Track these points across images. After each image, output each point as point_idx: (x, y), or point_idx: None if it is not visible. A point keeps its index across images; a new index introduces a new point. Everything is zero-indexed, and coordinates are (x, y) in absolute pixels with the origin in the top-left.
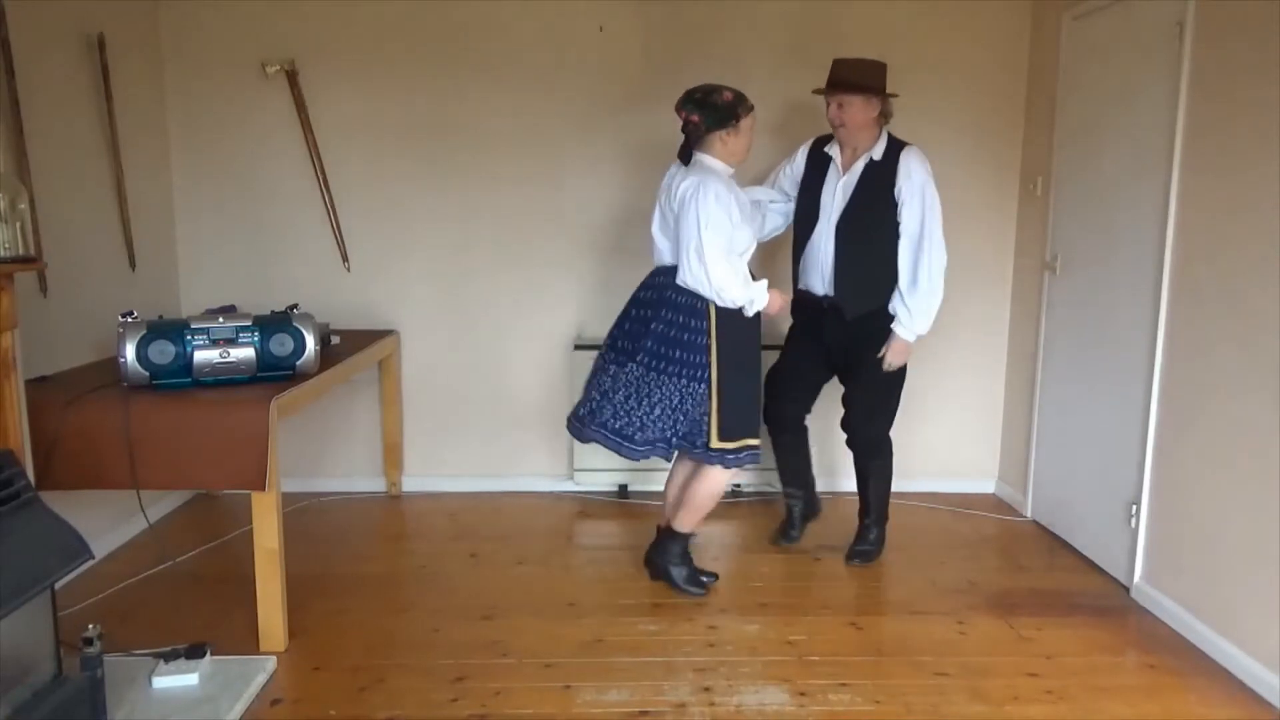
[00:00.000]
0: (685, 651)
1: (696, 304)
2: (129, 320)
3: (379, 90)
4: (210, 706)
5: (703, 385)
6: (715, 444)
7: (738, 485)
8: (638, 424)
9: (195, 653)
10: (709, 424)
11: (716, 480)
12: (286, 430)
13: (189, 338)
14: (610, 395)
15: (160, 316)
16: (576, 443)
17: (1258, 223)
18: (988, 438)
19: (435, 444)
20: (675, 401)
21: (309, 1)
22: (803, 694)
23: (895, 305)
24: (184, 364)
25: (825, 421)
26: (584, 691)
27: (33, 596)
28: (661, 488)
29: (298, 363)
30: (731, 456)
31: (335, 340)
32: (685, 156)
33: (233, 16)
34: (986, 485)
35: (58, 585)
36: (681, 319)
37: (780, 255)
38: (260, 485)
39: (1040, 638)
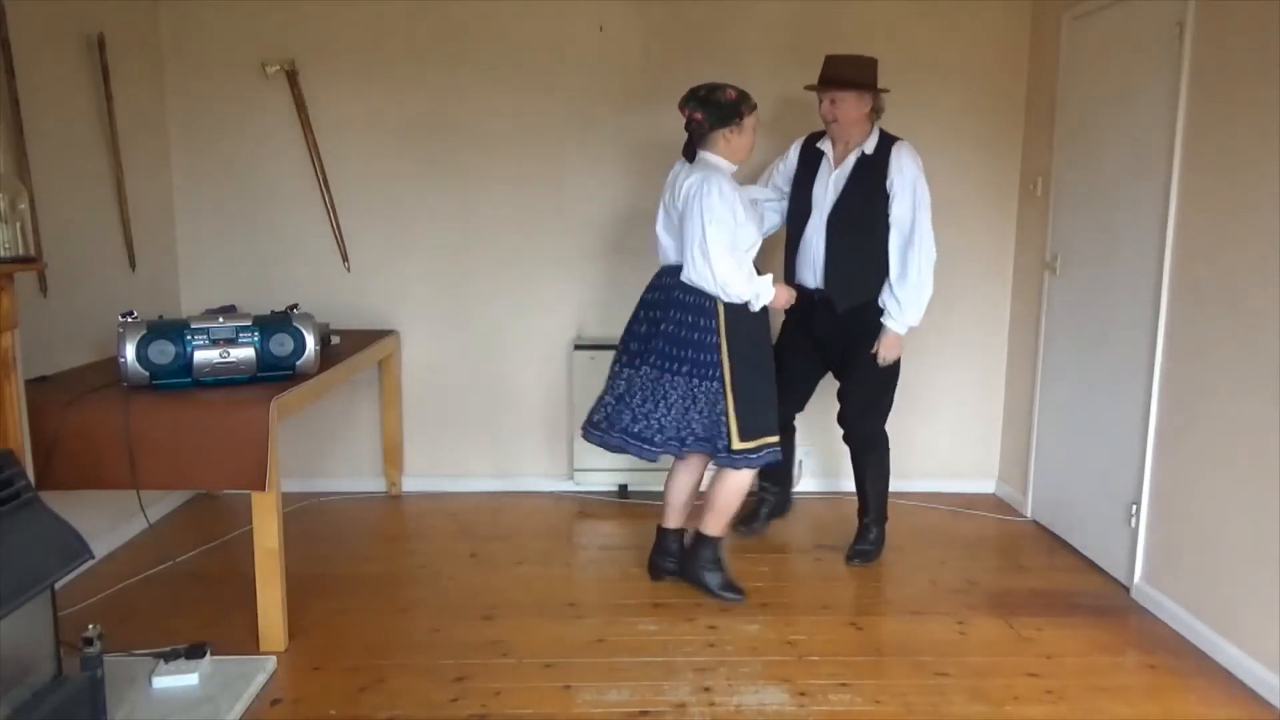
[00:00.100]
0: (685, 651)
1: (704, 302)
2: (129, 320)
3: (379, 90)
4: (210, 706)
5: (715, 383)
6: (737, 445)
7: None
8: (655, 426)
9: (195, 653)
10: (728, 425)
11: (739, 479)
12: (286, 430)
13: (189, 338)
14: (627, 399)
15: (160, 316)
16: (576, 443)
17: (1258, 223)
18: (988, 438)
19: (435, 444)
20: (688, 401)
21: (309, 1)
22: (803, 694)
23: (885, 298)
24: (184, 364)
25: (825, 423)
26: (584, 691)
27: (33, 596)
28: (661, 487)
29: (298, 363)
30: (754, 456)
31: (335, 340)
32: (690, 154)
33: (233, 16)
34: (986, 485)
35: (58, 585)
36: (690, 318)
37: (774, 251)
38: (260, 485)
39: (1040, 638)
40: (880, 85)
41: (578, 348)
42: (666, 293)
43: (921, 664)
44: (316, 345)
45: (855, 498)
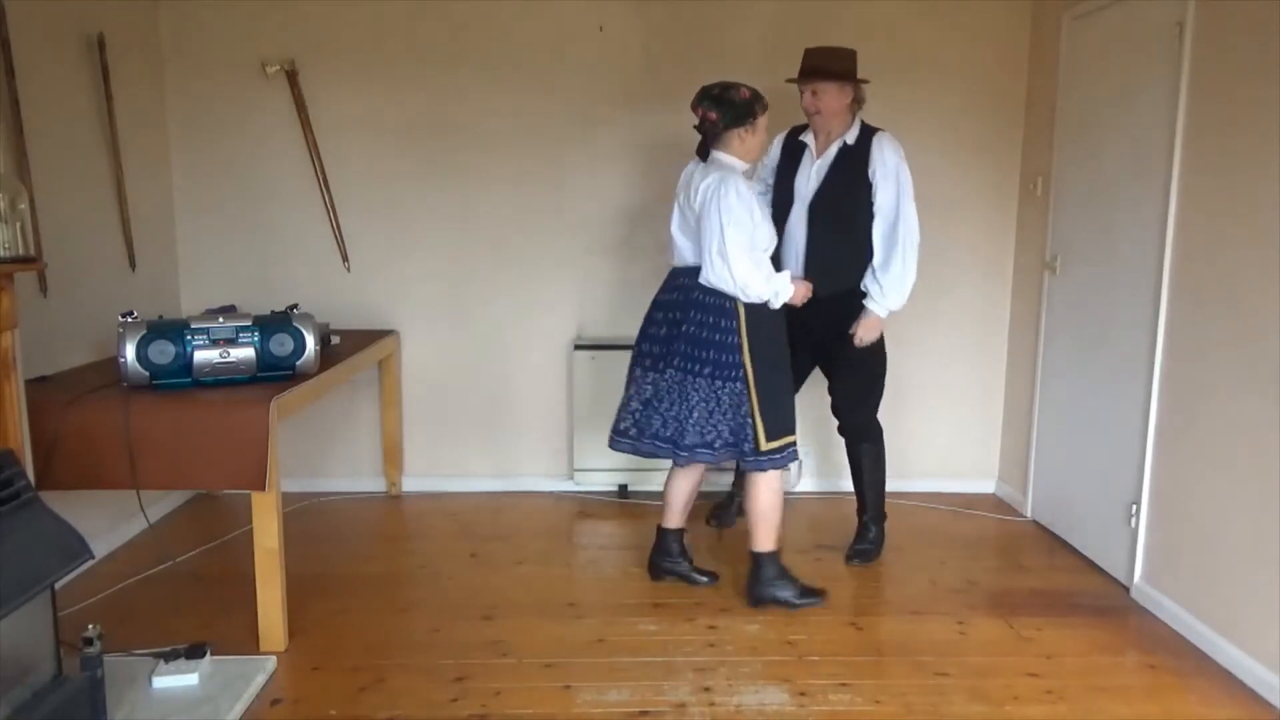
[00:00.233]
0: (685, 651)
1: (724, 303)
2: (129, 320)
3: (379, 90)
4: (210, 706)
5: (738, 384)
6: (765, 446)
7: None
8: (685, 429)
9: (195, 653)
10: (754, 426)
11: (769, 485)
12: (286, 430)
13: (189, 338)
14: (655, 404)
15: (160, 316)
16: (576, 442)
17: (1258, 223)
18: (988, 438)
19: (435, 444)
20: (713, 403)
21: (309, 1)
22: (803, 694)
23: (868, 282)
24: (184, 364)
25: (824, 423)
26: (584, 691)
27: (33, 596)
28: (660, 487)
29: (298, 363)
30: (779, 457)
31: (335, 340)
32: (705, 154)
33: (233, 16)
34: (986, 485)
35: (58, 585)
36: (711, 319)
37: None
38: (260, 485)
39: (1040, 638)
40: (860, 76)
41: (578, 348)
42: (685, 294)
43: (921, 664)
44: (316, 345)
45: (854, 498)
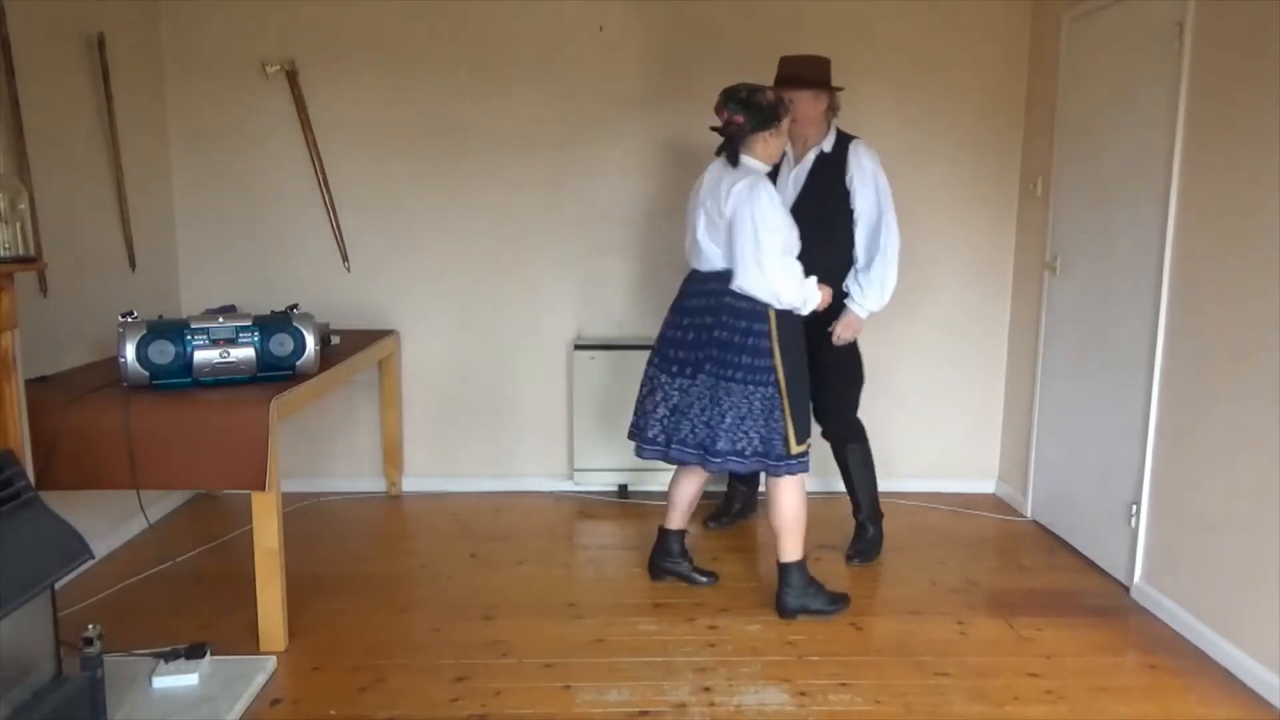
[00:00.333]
0: (685, 651)
1: (756, 308)
2: (129, 320)
3: (379, 90)
4: (210, 706)
5: (770, 389)
6: (795, 449)
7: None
8: (717, 435)
9: (195, 653)
10: (785, 430)
11: (791, 492)
12: (286, 430)
13: (189, 338)
14: (685, 411)
15: (160, 316)
16: (576, 442)
17: (1258, 223)
18: (988, 438)
19: (435, 444)
20: (744, 408)
21: (309, 1)
22: (803, 694)
23: (849, 283)
24: (184, 364)
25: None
26: (584, 691)
27: (33, 596)
28: (661, 487)
29: (298, 363)
30: (803, 460)
31: (335, 340)
32: (734, 159)
33: (233, 16)
34: (986, 485)
35: (58, 585)
36: (744, 324)
37: None
38: (260, 485)
39: (1040, 638)
40: (835, 84)
41: (578, 348)
42: (715, 299)
43: (921, 664)
44: (316, 345)
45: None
